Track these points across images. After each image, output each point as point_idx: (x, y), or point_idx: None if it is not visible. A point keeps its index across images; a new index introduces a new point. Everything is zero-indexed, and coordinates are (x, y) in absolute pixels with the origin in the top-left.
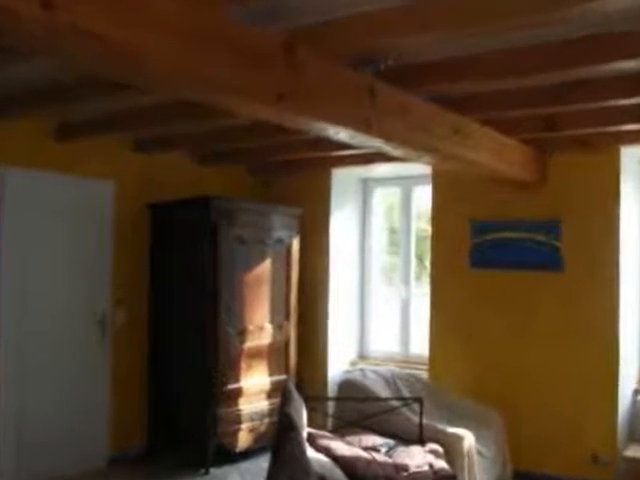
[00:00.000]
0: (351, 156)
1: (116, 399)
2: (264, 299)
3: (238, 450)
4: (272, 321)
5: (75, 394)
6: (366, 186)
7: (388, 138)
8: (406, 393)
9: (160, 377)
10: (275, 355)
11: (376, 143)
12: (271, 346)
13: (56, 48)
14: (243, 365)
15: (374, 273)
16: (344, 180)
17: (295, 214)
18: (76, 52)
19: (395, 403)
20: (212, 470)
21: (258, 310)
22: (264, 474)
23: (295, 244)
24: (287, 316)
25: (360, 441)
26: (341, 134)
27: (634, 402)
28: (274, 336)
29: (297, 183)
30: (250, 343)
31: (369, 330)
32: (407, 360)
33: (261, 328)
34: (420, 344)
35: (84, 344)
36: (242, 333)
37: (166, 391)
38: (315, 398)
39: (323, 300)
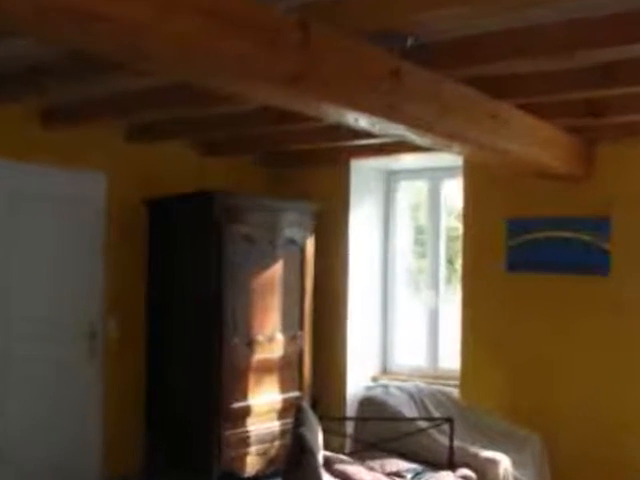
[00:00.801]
0: (372, 146)
1: (110, 420)
2: (275, 307)
3: (246, 476)
4: (284, 331)
5: (62, 416)
6: (389, 180)
7: (414, 125)
8: (434, 412)
9: (159, 395)
10: (287, 369)
11: (400, 131)
12: (283, 359)
13: (44, 28)
14: (251, 380)
15: (398, 278)
16: (365, 173)
17: (309, 211)
18: (68, 32)
19: (422, 423)
20: None
21: (268, 319)
22: None
23: (309, 245)
24: (301, 326)
25: (383, 466)
26: (361, 121)
27: None
28: (286, 348)
29: (312, 176)
30: (259, 356)
31: (393, 342)
32: (436, 375)
33: (271, 339)
34: (450, 357)
35: (71, 359)
36: (250, 345)
37: (165, 411)
38: (332, 418)
39: (341, 308)
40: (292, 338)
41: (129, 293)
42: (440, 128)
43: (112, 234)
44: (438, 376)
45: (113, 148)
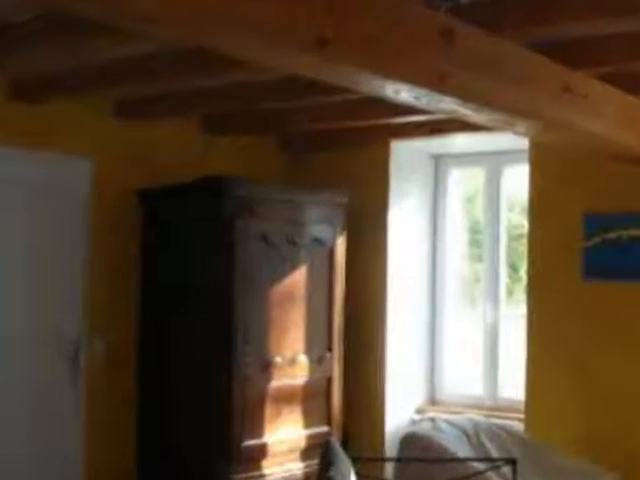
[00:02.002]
0: (417, 124)
1: (93, 459)
2: (297, 322)
3: None
4: (308, 352)
5: (37, 454)
6: (439, 165)
7: (469, 98)
8: (494, 452)
9: (153, 430)
10: (313, 399)
11: (452, 105)
12: (307, 387)
13: None
14: (268, 413)
15: (449, 286)
16: (408, 157)
17: (340, 204)
18: None
19: (479, 465)
20: None
21: (289, 337)
22: None
23: (340, 246)
24: (329, 345)
25: None
26: (403, 93)
27: None
28: (311, 373)
29: (343, 162)
30: (278, 382)
31: (442, 365)
32: (495, 407)
33: (293, 362)
34: (512, 385)
35: (48, 386)
36: (267, 369)
37: (161, 449)
38: (368, 458)
39: (379, 323)
40: (318, 361)
41: (118, 305)
42: (501, 102)
43: (97, 233)
44: (498, 408)
45: (99, 127)
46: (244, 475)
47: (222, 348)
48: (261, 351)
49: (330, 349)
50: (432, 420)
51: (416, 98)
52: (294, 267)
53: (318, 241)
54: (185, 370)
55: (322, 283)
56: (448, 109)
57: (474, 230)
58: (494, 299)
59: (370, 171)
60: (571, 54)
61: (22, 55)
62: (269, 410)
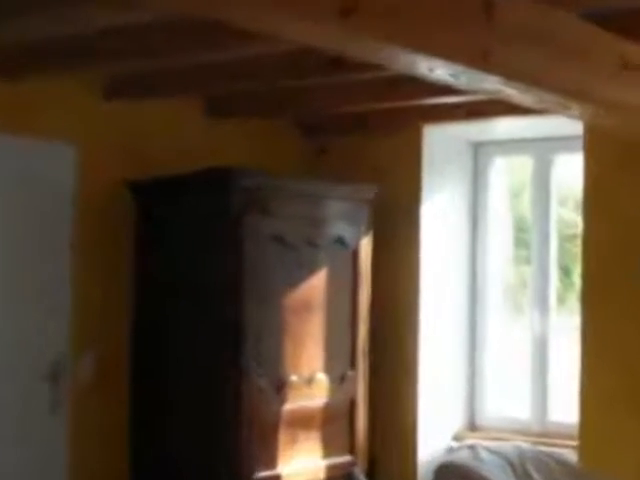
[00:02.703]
0: (454, 106)
1: None
2: (316, 334)
3: None
4: (329, 370)
5: None
6: (479, 154)
7: (514, 76)
8: None
9: (148, 462)
10: (333, 424)
11: (495, 84)
12: (327, 409)
13: None
14: (282, 440)
15: (491, 293)
16: (443, 144)
17: (365, 199)
18: None
19: None
20: None
21: (306, 352)
22: None
23: (365, 246)
24: (352, 362)
25: None
26: (439, 70)
27: None
28: (332, 393)
29: (369, 149)
30: (293, 404)
31: (483, 385)
32: (544, 432)
33: (311, 381)
34: (565, 408)
35: (26, 412)
36: (281, 389)
37: None
38: None
39: (410, 336)
40: (340, 380)
41: (108, 317)
42: (551, 81)
43: (83, 230)
44: (547, 433)
45: (86, 108)
46: None
47: (229, 365)
48: (274, 368)
49: (353, 366)
50: (471, 448)
51: (453, 76)
52: (312, 271)
53: (340, 241)
54: (186, 391)
55: (344, 290)
56: (490, 89)
57: (520, 228)
58: (543, 307)
59: (400, 160)
60: (629, 26)
61: None
62: (283, 437)
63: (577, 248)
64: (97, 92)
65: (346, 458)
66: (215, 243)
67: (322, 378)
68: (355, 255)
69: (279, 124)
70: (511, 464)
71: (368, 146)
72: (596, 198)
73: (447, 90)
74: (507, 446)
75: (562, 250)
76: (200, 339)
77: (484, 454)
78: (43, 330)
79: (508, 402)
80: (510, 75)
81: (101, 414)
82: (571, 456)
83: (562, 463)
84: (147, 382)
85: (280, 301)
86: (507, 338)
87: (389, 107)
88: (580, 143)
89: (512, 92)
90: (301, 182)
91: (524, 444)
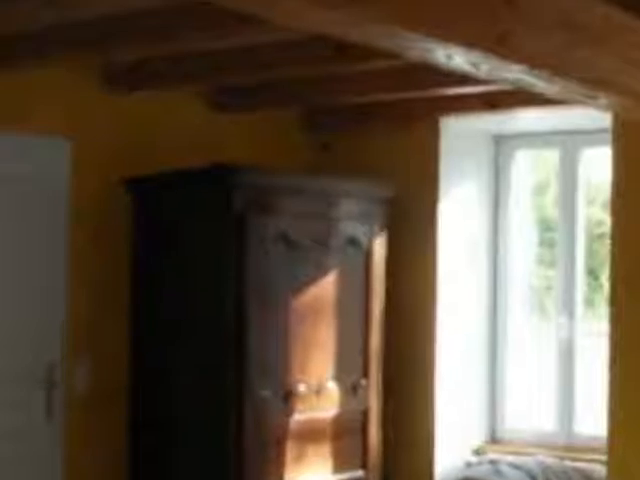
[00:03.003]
0: (474, 97)
1: None
2: (326, 341)
3: None
4: (339, 379)
5: None
6: (500, 148)
7: (536, 64)
8: None
9: (148, 476)
10: (345, 437)
11: (516, 73)
12: (338, 421)
13: None
14: (289, 454)
15: (514, 297)
16: (462, 137)
17: (379, 196)
18: None
19: None
20: None
21: (315, 360)
22: None
23: (378, 247)
24: (365, 370)
25: None
26: (457, 57)
27: None
28: (343, 404)
29: (382, 143)
30: (301, 416)
31: (505, 394)
32: (570, 446)
33: (320, 390)
34: (593, 419)
35: (18, 422)
36: (287, 399)
37: None
38: None
39: (427, 342)
40: (352, 389)
41: (104, 322)
42: (576, 69)
43: (78, 232)
44: (573, 447)
45: (81, 100)
46: None
47: (232, 373)
48: (280, 377)
49: (366, 375)
50: (492, 463)
51: (473, 65)
52: (322, 273)
53: (352, 242)
54: (186, 403)
55: (356, 293)
56: (512, 78)
57: (545, 228)
58: (569, 312)
59: (416, 155)
60: None
61: None
62: (290, 450)
63: (606, 248)
64: (93, 82)
65: (358, 474)
66: (217, 243)
67: (332, 388)
68: (368, 256)
69: (286, 117)
70: (534, 479)
71: (381, 140)
72: (626, 195)
73: (466, 80)
74: (530, 460)
75: (590, 251)
76: (202, 347)
77: (506, 469)
78: (39, 337)
79: (532, 413)
80: (532, 63)
81: (97, 423)
82: (599, 471)
83: (589, 478)
84: (146, 391)
85: (286, 304)
86: (531, 344)
87: (405, 98)
88: (609, 136)
89: (535, 81)
90: (309, 179)
91: (548, 458)
